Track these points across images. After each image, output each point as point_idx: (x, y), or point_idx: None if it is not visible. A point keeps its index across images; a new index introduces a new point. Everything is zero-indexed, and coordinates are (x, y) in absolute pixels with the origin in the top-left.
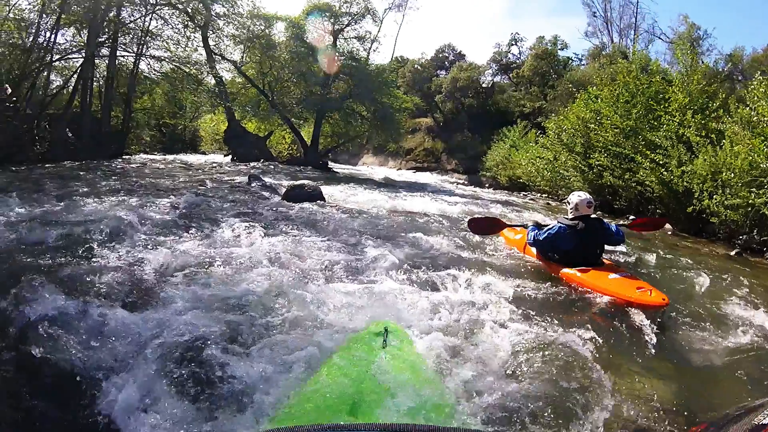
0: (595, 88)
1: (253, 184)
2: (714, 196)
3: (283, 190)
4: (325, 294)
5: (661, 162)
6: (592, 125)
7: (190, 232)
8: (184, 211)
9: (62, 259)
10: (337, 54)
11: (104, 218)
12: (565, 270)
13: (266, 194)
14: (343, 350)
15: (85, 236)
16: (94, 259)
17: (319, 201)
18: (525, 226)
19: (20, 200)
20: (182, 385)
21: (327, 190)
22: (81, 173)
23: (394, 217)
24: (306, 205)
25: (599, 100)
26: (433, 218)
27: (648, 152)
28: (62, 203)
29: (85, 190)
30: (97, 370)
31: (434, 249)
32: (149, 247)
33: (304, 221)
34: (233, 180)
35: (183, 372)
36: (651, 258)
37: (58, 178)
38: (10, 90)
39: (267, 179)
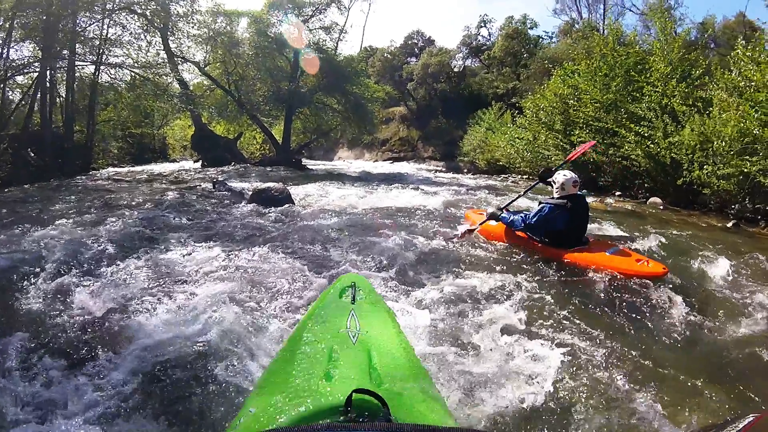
0: (571, 63)
1: (218, 191)
2: (705, 167)
3: (251, 194)
4: (288, 310)
5: (646, 134)
6: (571, 101)
7: (142, 253)
8: (139, 229)
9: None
10: (303, 46)
11: (51, 247)
12: (566, 251)
13: (231, 201)
14: (313, 311)
15: (26, 269)
16: (33, 296)
17: (286, 204)
18: (495, 217)
19: None
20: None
21: (298, 190)
22: (38, 196)
23: (369, 216)
24: (272, 209)
25: (576, 76)
26: (412, 213)
27: (632, 125)
28: (8, 233)
29: (38, 215)
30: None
31: (416, 248)
32: (95, 276)
33: (268, 229)
34: (198, 187)
35: (149, 402)
36: (647, 236)
37: (12, 204)
38: None
39: (234, 183)
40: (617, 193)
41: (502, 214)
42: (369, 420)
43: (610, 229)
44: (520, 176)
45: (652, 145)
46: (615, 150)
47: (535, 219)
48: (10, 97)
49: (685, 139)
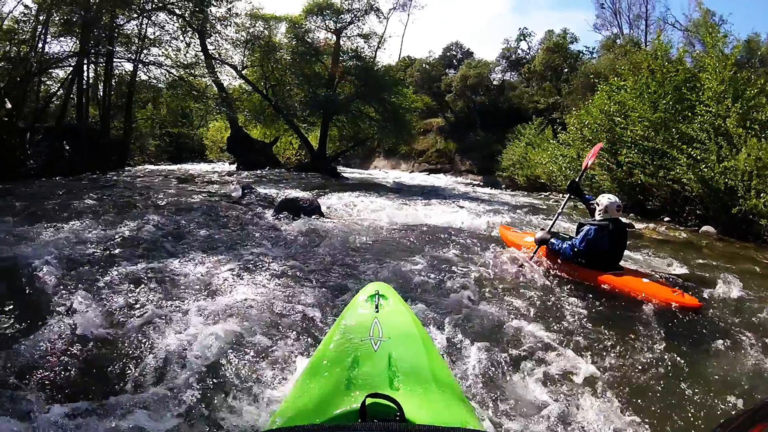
0: (617, 78)
1: (246, 197)
2: (762, 195)
3: (279, 203)
4: (311, 325)
5: (699, 157)
6: (618, 118)
7: (162, 260)
8: (160, 234)
9: None
10: (341, 53)
11: (62, 247)
12: (602, 274)
13: (257, 209)
14: (339, 322)
15: (33, 271)
16: (32, 304)
17: (315, 215)
18: (545, 242)
19: None
20: None
21: (329, 200)
22: (68, 189)
23: (401, 233)
24: (299, 221)
25: (623, 91)
26: (448, 232)
27: (683, 146)
28: (20, 228)
29: (60, 210)
30: None
31: (449, 271)
32: (106, 283)
33: (293, 242)
34: (227, 192)
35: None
36: (695, 267)
37: (38, 196)
38: (10, 105)
39: (264, 190)
40: (666, 218)
41: (552, 239)
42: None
43: (659, 260)
44: (561, 195)
45: (705, 169)
46: (665, 173)
47: (583, 245)
48: (52, 90)
49: (740, 164)
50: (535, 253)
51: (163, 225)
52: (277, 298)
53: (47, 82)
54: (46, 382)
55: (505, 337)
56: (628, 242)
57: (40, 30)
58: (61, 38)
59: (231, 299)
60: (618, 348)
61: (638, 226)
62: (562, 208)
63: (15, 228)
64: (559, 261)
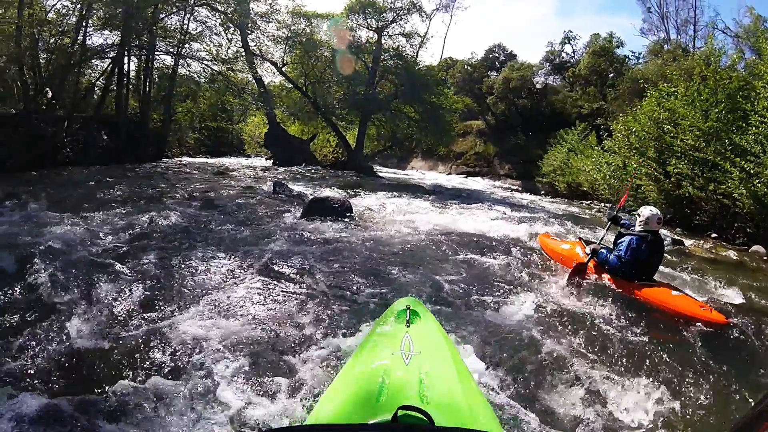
0: (667, 84)
1: (277, 194)
2: None
3: (309, 202)
4: (330, 346)
5: (752, 171)
6: (667, 126)
7: (183, 255)
8: (178, 229)
9: None
10: (381, 52)
11: (81, 236)
12: (633, 285)
13: (287, 207)
14: (371, 335)
15: (41, 261)
16: (49, 296)
17: (345, 217)
18: (596, 253)
19: None
20: None
21: (363, 200)
22: (98, 178)
23: (435, 240)
24: (327, 223)
25: (673, 98)
26: (487, 241)
27: (736, 159)
28: (44, 214)
29: (85, 198)
30: None
31: (490, 285)
32: (124, 276)
33: (318, 246)
34: (259, 188)
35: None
36: (736, 287)
37: (64, 185)
38: (50, 94)
39: (297, 187)
40: (713, 234)
41: (601, 249)
42: None
43: (705, 279)
44: (603, 203)
45: (758, 184)
46: (715, 186)
47: (628, 255)
48: (92, 81)
49: None
50: (587, 263)
51: (189, 219)
52: (301, 303)
53: (89, 73)
54: (56, 374)
55: (535, 351)
56: (673, 258)
57: (82, 22)
58: (104, 31)
59: (253, 301)
60: (651, 365)
61: (688, 242)
62: (604, 235)
63: (41, 214)
64: (598, 272)
